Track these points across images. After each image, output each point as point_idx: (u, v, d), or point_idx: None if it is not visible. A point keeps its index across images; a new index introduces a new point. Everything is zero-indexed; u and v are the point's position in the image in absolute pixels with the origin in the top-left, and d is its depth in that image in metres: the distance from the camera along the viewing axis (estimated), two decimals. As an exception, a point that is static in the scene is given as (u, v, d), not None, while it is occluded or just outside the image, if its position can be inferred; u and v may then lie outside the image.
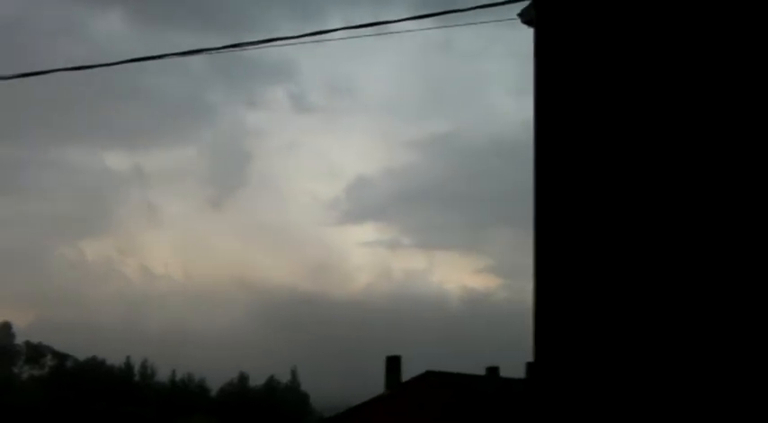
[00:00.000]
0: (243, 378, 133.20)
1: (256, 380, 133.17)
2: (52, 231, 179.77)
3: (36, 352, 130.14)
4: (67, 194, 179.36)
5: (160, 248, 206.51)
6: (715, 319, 11.06)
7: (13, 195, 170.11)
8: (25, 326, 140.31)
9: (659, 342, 11.33)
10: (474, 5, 12.39)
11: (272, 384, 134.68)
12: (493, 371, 51.94)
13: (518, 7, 12.90)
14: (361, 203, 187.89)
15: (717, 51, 11.31)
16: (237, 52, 13.79)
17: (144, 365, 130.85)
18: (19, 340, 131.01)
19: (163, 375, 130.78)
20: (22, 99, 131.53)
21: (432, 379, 48.91)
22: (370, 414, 49.24)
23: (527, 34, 12.82)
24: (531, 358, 12.68)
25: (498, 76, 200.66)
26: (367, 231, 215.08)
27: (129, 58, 13.78)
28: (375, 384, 51.53)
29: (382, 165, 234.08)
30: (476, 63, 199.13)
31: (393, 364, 50.88)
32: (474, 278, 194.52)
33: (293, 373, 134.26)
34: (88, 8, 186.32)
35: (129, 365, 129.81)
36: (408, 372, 50.71)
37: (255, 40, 13.44)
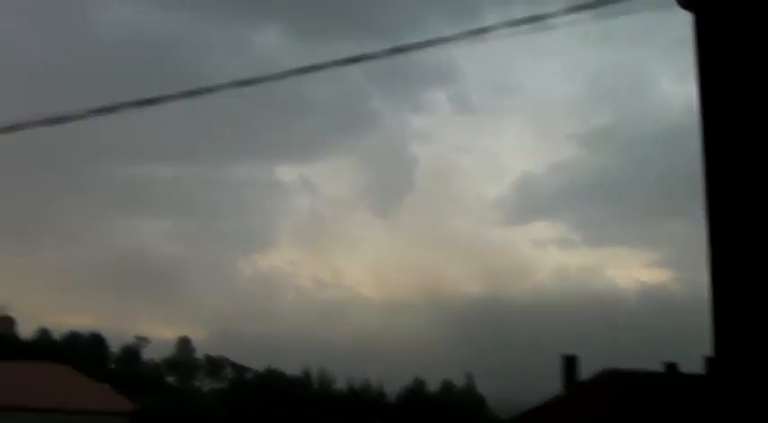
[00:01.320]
0: (419, 383, 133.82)
1: (432, 385, 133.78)
2: (226, 246, 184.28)
3: (215, 365, 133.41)
4: (238, 209, 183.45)
5: (331, 259, 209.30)
6: None
7: (186, 213, 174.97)
8: (204, 340, 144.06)
9: None
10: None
11: (447, 388, 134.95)
12: (671, 367, 50.68)
13: (675, -9, 12.51)
14: (530, 202, 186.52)
15: None
16: (397, 58, 13.70)
17: (322, 374, 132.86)
18: (198, 354, 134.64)
19: (341, 384, 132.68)
20: (190, 117, 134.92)
21: (609, 377, 48.06)
22: (548, 414, 48.70)
23: (685, 18, 12.43)
24: (709, 353, 12.22)
25: (658, 64, 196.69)
26: (536, 230, 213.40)
27: (287, 70, 13.82)
28: (552, 384, 51.03)
29: (548, 161, 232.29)
30: (634, 52, 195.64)
31: (569, 363, 50.28)
32: (646, 272, 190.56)
33: (468, 377, 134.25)
34: (246, 25, 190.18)
35: (307, 375, 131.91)
36: (585, 370, 50.09)
37: (413, 43, 13.33)
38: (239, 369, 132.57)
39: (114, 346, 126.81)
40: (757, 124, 11.69)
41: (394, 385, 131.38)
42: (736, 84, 11.91)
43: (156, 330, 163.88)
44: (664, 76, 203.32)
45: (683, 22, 12.39)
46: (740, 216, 11.80)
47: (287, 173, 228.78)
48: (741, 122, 11.84)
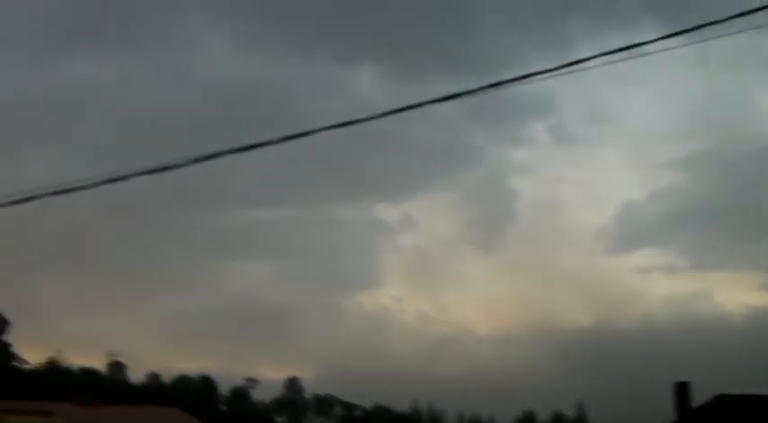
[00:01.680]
0: (529, 415, 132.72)
1: (543, 416, 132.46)
2: (331, 286, 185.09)
3: (324, 403, 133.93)
4: (342, 249, 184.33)
5: (436, 294, 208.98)
6: None
7: (290, 255, 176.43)
8: (312, 379, 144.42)
9: None
10: (725, 17, 11.92)
11: (558, 419, 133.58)
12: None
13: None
14: (632, 229, 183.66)
15: None
16: (493, 92, 13.73)
17: (431, 409, 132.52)
18: (307, 394, 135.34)
19: (450, 418, 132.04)
20: (292, 160, 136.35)
21: (724, 402, 47.05)
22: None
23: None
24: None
25: (756, 85, 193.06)
26: (641, 257, 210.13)
27: (385, 110, 13.94)
28: (663, 412, 50.14)
29: (648, 188, 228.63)
30: (731, 75, 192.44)
31: (681, 389, 49.36)
32: (755, 295, 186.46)
33: (579, 407, 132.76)
34: (342, 67, 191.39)
35: (416, 410, 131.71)
36: (697, 397, 49.11)
37: (510, 77, 13.35)
38: (348, 407, 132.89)
39: (224, 388, 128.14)
40: None
41: (504, 418, 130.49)
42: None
43: (265, 371, 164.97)
44: (763, 96, 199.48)
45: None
46: None
47: (388, 211, 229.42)
48: None
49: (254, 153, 14.89)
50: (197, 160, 16.09)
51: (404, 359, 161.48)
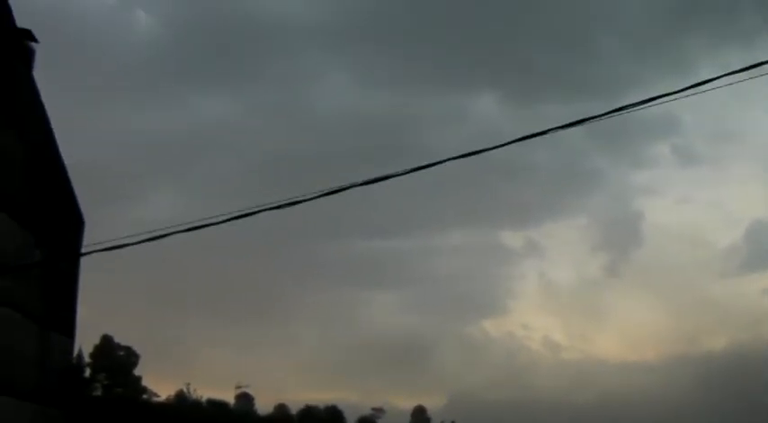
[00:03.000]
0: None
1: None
2: (456, 314, 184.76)
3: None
4: (468, 277, 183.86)
5: (564, 321, 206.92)
6: None
7: (416, 284, 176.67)
8: (440, 408, 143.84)
9: None
10: None
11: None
12: None
13: None
14: (761, 249, 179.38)
15: None
16: (616, 115, 13.66)
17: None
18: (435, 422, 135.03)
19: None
20: (415, 190, 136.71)
21: None
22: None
23: None
24: None
25: None
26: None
27: (508, 137, 14.00)
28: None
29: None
30: None
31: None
32: None
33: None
34: (463, 94, 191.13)
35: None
36: None
37: (634, 101, 13.25)
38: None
39: (351, 418, 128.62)
40: None
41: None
42: None
43: (394, 401, 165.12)
44: None
45: None
46: None
47: (512, 238, 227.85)
48: None
49: (380, 185, 15.06)
50: (323, 194, 16.33)
51: (533, 388, 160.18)
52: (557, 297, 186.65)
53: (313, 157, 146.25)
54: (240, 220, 16.91)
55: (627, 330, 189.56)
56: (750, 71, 13.16)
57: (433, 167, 14.74)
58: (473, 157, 14.25)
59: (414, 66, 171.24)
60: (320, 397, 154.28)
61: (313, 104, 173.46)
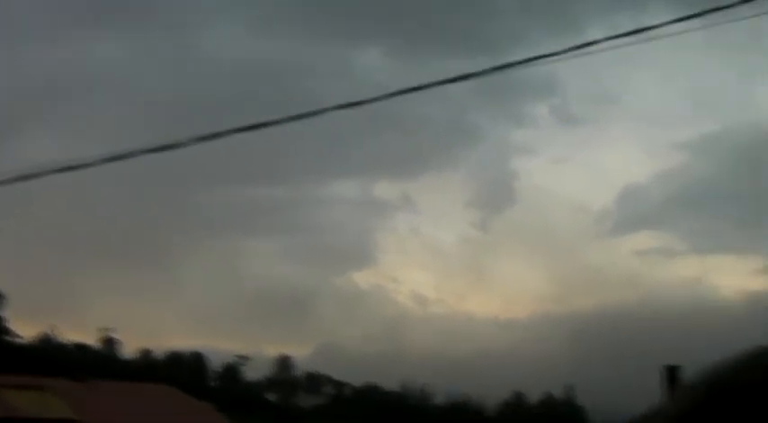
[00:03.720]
0: (518, 396, 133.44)
1: (532, 398, 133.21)
2: (326, 264, 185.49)
3: (315, 382, 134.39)
4: (342, 227, 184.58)
5: (432, 275, 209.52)
6: None
7: (287, 233, 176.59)
8: (304, 358, 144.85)
9: None
10: (734, 1, 12.03)
11: (547, 401, 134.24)
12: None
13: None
14: (633, 212, 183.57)
15: None
16: (501, 73, 13.84)
17: (420, 389, 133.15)
18: (299, 372, 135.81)
19: (440, 399, 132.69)
20: (295, 139, 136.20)
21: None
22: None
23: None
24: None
25: (764, 70, 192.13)
26: (642, 240, 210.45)
27: (392, 90, 14.04)
28: (653, 395, 50.41)
29: (651, 171, 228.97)
30: (741, 59, 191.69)
31: (671, 373, 49.70)
32: (754, 280, 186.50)
33: (568, 389, 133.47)
34: (348, 46, 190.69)
35: (405, 389, 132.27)
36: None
37: (518, 59, 13.44)
38: (339, 385, 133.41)
39: (216, 365, 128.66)
40: None
41: (494, 399, 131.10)
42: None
43: (263, 349, 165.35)
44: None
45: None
46: None
47: (388, 190, 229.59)
48: None
49: (260, 132, 15.01)
50: (199, 139, 16.22)
51: (397, 339, 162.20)
52: (428, 251, 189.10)
53: (198, 101, 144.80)
54: (121, 164, 16.70)
55: (499, 288, 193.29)
56: (637, 36, 13.43)
57: (315, 117, 14.77)
58: (357, 108, 14.32)
59: (304, 18, 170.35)
60: (191, 343, 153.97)
61: (203, 50, 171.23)
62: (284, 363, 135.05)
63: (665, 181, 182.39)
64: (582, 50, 13.30)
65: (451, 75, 13.31)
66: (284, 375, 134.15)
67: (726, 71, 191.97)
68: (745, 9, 12.15)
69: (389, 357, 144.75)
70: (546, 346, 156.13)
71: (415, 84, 13.48)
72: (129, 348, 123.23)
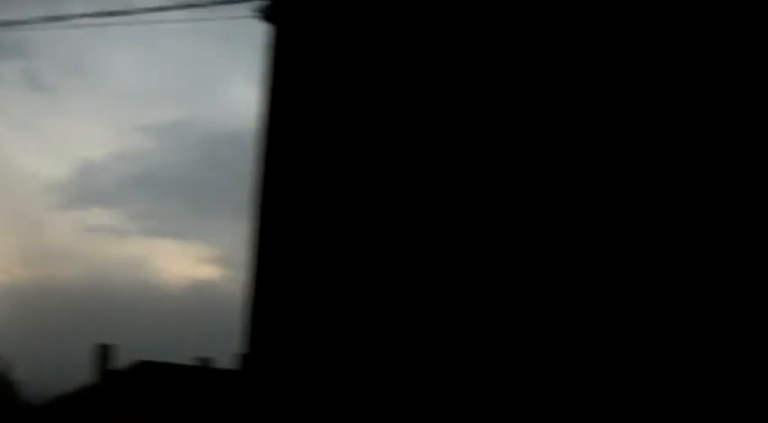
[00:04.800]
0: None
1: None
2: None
3: None
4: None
5: None
6: (416, 318, 11.48)
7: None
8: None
9: (367, 335, 11.67)
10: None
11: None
12: (205, 362, 51.54)
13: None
14: (90, 188, 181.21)
15: (448, 49, 11.79)
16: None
17: None
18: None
19: None
20: None
21: (143, 368, 48.05)
22: (79, 403, 47.86)
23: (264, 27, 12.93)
24: (241, 350, 12.74)
25: (240, 67, 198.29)
26: (93, 216, 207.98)
27: None
28: (88, 373, 50.02)
29: (115, 149, 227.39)
30: (220, 51, 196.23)
31: (103, 352, 49.62)
32: (198, 268, 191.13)
33: (5, 362, 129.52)
34: None
35: None
36: (124, 362, 49.47)
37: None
38: None
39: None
40: (314, 139, 12.38)
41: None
42: (301, 99, 12.56)
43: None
44: (244, 79, 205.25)
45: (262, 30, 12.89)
46: (282, 221, 12.44)
47: None
48: (297, 133, 12.50)
49: None
50: None
51: None
52: None
53: None
54: None
55: None
56: (120, 17, 13.54)
57: None
58: None
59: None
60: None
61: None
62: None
63: (125, 161, 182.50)
64: (58, 23, 13.26)
65: None
66: None
67: (203, 64, 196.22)
68: (231, 10, 12.60)
69: None
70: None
71: None
72: None
